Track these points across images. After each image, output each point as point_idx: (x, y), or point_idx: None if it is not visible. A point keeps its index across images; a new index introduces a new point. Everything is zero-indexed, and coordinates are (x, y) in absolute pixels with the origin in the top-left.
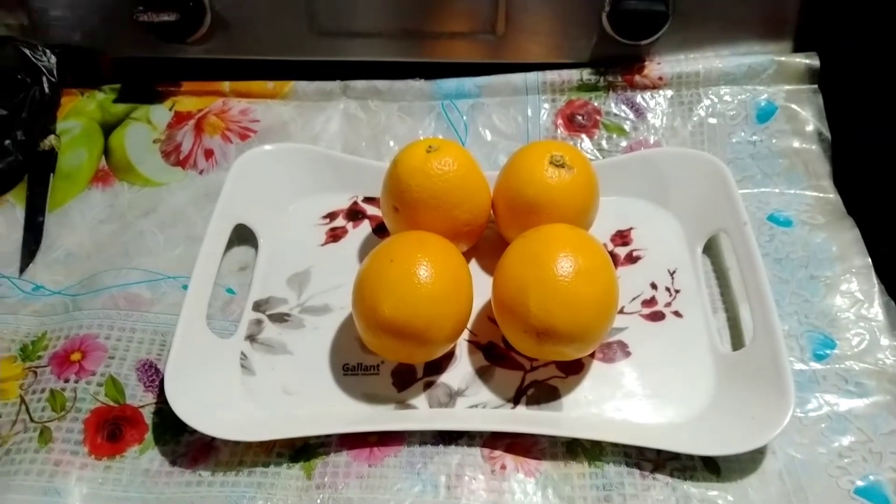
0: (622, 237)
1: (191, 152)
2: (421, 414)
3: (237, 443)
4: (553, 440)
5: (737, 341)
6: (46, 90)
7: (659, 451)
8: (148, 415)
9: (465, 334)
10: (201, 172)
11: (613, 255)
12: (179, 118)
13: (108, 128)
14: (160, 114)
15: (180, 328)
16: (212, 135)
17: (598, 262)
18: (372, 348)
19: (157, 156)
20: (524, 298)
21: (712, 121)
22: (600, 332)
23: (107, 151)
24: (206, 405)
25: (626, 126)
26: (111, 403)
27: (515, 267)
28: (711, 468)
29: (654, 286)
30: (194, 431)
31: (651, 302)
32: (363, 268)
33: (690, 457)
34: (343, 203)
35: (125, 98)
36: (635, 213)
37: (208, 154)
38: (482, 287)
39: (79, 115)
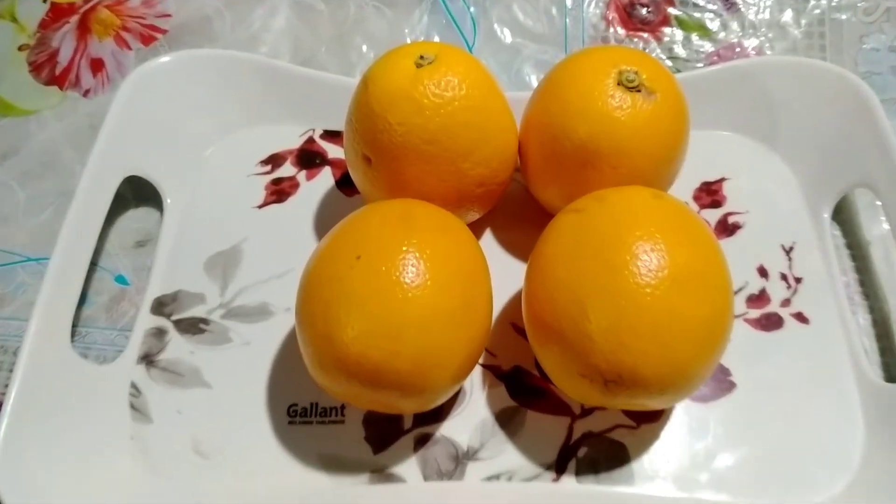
0: (710, 193)
1: (72, 64)
2: (409, 492)
3: None
4: None
5: (891, 362)
6: None
7: None
8: None
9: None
10: (86, 94)
11: None
12: (57, 13)
13: None
14: (31, 7)
15: (28, 346)
16: (102, 37)
17: (706, 255)
18: (330, 394)
19: (24, 69)
20: (581, 321)
21: (838, 16)
22: (705, 373)
23: None
24: (63, 478)
25: (712, 23)
26: None
27: (564, 263)
28: None
29: (763, 273)
30: None
31: (761, 299)
32: (312, 266)
33: None
34: (292, 141)
35: None
36: (728, 157)
37: (96, 66)
38: (504, 275)
39: None
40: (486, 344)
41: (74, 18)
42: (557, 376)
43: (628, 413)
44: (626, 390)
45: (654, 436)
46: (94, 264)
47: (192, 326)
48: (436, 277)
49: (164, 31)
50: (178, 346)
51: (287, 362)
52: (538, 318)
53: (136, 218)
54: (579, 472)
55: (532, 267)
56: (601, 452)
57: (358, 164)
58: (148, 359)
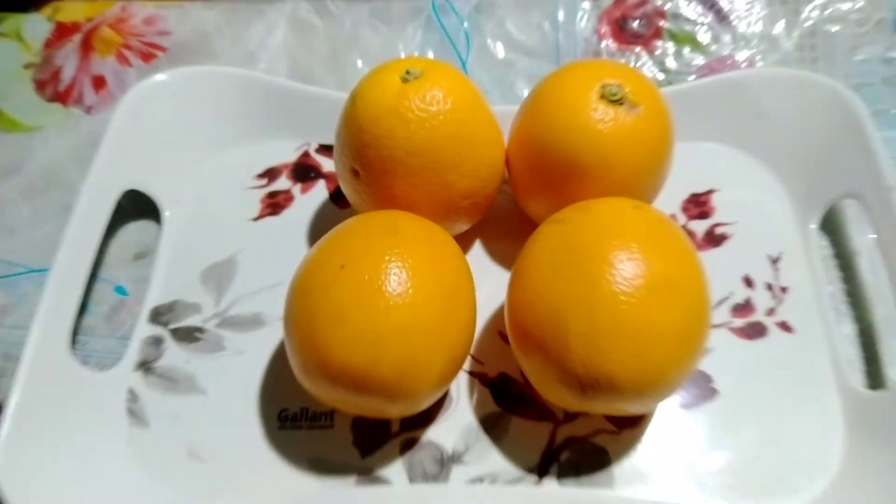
0: (698, 205)
1: (75, 81)
2: (395, 495)
3: None
4: None
5: (875, 370)
6: None
7: None
8: None
9: (466, 362)
10: (89, 110)
11: (687, 233)
12: (62, 32)
13: None
14: (36, 26)
15: (29, 353)
16: (104, 55)
17: (683, 265)
18: (317, 399)
19: (29, 87)
20: (561, 330)
21: (829, 28)
22: (681, 379)
23: None
24: (63, 480)
25: (703, 35)
26: None
27: (546, 273)
28: None
29: (748, 282)
30: None
31: (746, 308)
32: (299, 276)
33: None
34: (288, 155)
35: None
36: (717, 169)
37: (98, 83)
38: (492, 285)
39: None
40: (468, 351)
41: (78, 37)
42: (538, 382)
43: (610, 419)
44: (603, 395)
45: (636, 441)
46: (94, 275)
47: (187, 335)
48: (418, 287)
49: (163, 49)
50: (174, 354)
51: (278, 370)
52: (520, 326)
53: (135, 230)
54: (561, 476)
55: (515, 276)
56: (583, 457)
57: (347, 177)
58: (145, 366)
